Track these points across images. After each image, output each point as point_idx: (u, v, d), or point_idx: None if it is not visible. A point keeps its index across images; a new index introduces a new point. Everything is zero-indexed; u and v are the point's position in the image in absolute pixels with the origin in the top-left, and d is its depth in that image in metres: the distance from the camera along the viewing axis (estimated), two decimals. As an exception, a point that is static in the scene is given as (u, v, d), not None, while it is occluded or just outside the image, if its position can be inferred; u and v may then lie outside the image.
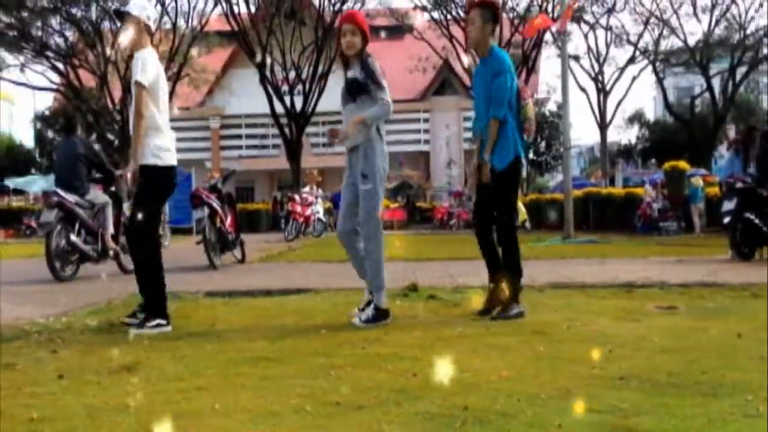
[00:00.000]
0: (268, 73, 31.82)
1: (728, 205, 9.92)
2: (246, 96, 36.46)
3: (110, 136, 32.76)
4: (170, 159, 4.97)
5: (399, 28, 37.09)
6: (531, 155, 35.93)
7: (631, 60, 38.62)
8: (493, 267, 5.24)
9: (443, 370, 3.41)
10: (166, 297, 4.89)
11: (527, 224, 22.06)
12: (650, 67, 39.00)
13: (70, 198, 8.50)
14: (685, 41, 36.29)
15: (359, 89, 4.89)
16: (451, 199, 32.36)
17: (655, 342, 4.01)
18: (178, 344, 4.22)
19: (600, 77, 39.40)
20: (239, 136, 42.12)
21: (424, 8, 35.02)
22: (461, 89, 41.88)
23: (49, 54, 31.82)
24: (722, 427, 2.49)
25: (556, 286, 6.36)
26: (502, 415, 2.66)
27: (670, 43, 37.71)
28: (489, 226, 5.22)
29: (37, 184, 32.14)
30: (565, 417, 2.62)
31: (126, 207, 9.63)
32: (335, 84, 30.26)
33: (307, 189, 20.05)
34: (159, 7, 30.45)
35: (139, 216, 4.81)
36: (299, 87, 32.84)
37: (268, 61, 31.37)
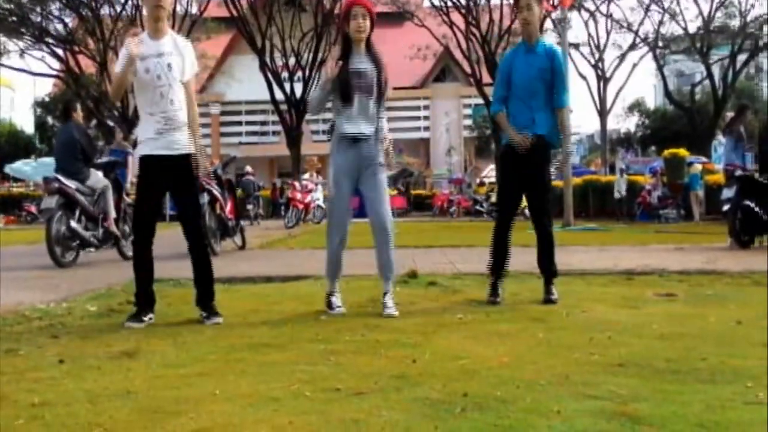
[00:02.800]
0: (267, 60, 31.73)
1: (728, 193, 9.93)
2: (247, 82, 36.40)
3: (110, 123, 32.73)
4: None
5: (399, 15, 36.95)
6: None
7: (632, 47, 38.49)
8: (502, 260, 5.29)
9: (443, 356, 3.43)
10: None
11: (527, 211, 22.08)
12: (650, 55, 38.88)
13: (71, 184, 8.50)
14: (685, 28, 36.18)
15: (381, 84, 4.83)
16: (451, 186, 32.36)
17: (655, 329, 4.02)
18: (178, 330, 4.24)
19: (600, 65, 39.29)
20: (239, 123, 42.09)
21: (424, -5, 34.90)
22: (461, 76, 41.76)
23: (49, 40, 31.75)
24: (721, 413, 2.50)
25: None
26: (501, 401, 2.67)
27: (671, 29, 37.61)
28: (513, 222, 5.33)
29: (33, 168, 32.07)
30: (564, 403, 2.63)
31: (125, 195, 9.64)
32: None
33: (307, 176, 20.03)
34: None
35: (200, 209, 4.84)
36: (299, 73, 32.76)
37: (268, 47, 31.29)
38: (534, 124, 5.14)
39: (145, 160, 4.60)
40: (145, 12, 4.61)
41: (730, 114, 36.02)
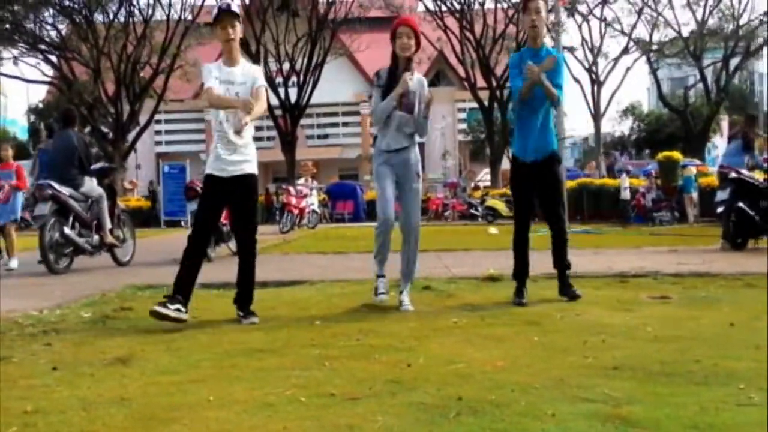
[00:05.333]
0: (261, 65, 31.72)
1: (722, 195, 9.97)
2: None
3: (104, 129, 32.70)
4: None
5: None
6: None
7: (625, 51, 38.59)
8: (524, 265, 5.42)
9: (437, 360, 3.43)
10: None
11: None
12: (644, 58, 38.99)
13: (65, 190, 8.47)
14: (678, 32, 36.31)
15: (420, 102, 5.25)
16: (446, 190, 32.36)
17: (649, 331, 4.03)
18: (172, 336, 4.23)
19: (594, 68, 39.36)
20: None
21: (418, -1, 34.98)
22: (456, 80, 41.84)
23: (43, 47, 31.71)
24: (714, 415, 2.50)
25: (550, 276, 6.35)
26: (496, 405, 2.67)
27: (664, 33, 37.73)
28: (529, 223, 5.48)
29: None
30: (559, 406, 2.63)
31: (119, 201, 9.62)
32: (329, 76, 29.96)
33: (301, 181, 20.02)
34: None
35: (254, 221, 5.10)
36: (293, 79, 32.78)
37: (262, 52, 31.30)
38: (545, 142, 5.36)
39: (210, 178, 4.99)
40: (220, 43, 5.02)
41: (723, 117, 35.93)
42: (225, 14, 4.85)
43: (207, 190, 5.05)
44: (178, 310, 4.63)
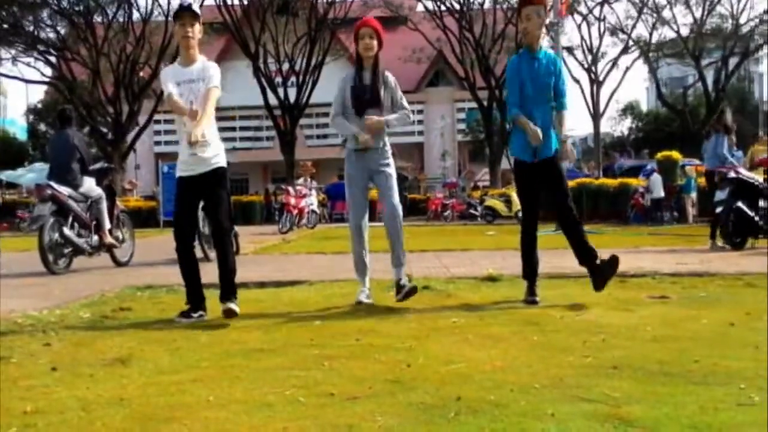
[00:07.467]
0: (261, 65, 31.74)
1: (720, 195, 9.98)
2: (240, 88, 36.37)
3: (103, 129, 32.71)
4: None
5: (393, 19, 37.07)
6: None
7: (624, 51, 38.63)
8: (532, 264, 5.37)
9: (437, 360, 3.43)
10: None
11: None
12: (643, 58, 39.02)
13: (64, 191, 8.47)
14: (677, 32, 36.36)
15: (376, 99, 5.33)
16: (445, 190, 32.40)
17: (648, 331, 4.03)
18: (172, 336, 4.22)
19: (593, 68, 39.40)
20: (233, 128, 42.02)
21: (418, -1, 35.03)
22: (455, 80, 41.82)
23: (41, 47, 31.73)
24: (714, 415, 2.50)
25: (549, 276, 6.36)
26: (495, 405, 2.67)
27: (663, 33, 37.80)
28: (536, 222, 5.48)
29: (27, 177, 32.03)
30: (558, 406, 2.63)
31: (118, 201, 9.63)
32: (329, 75, 30.12)
33: (301, 181, 20.03)
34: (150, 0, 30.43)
35: (229, 213, 5.14)
36: (293, 79, 32.79)
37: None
38: (549, 141, 5.34)
39: (180, 179, 5.05)
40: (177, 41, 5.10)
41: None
42: (185, 12, 4.92)
43: (180, 191, 5.07)
44: (201, 316, 4.90)
